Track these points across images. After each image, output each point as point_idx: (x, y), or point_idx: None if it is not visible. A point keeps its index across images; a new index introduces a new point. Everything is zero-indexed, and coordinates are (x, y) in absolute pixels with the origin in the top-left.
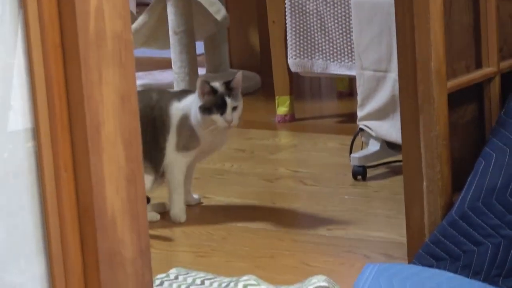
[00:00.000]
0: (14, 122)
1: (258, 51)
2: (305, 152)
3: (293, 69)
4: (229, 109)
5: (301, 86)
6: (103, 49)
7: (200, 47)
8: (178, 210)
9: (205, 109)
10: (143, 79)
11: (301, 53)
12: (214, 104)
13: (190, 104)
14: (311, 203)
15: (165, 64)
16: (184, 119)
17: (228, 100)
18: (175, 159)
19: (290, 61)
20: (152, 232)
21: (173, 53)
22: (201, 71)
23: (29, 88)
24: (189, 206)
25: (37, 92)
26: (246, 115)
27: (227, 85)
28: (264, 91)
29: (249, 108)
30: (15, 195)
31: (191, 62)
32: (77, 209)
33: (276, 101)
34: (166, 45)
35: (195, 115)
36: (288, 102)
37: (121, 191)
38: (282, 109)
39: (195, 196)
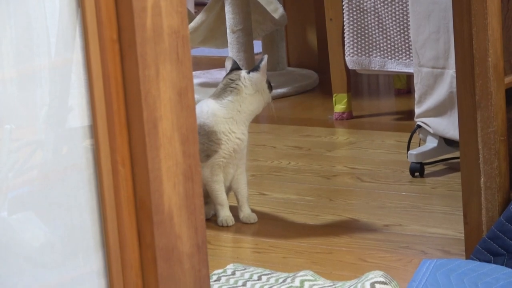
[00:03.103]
0: (73, 120)
1: (316, 49)
2: (363, 149)
3: (350, 66)
4: None
5: (358, 84)
6: (160, 45)
7: (257, 45)
8: (221, 218)
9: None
10: (201, 78)
11: (359, 50)
12: (268, 84)
13: (200, 109)
14: (368, 200)
15: (223, 63)
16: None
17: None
18: (202, 173)
19: (347, 58)
20: (208, 228)
21: (231, 51)
22: None
23: (87, 85)
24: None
25: (94, 88)
26: (303, 113)
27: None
28: (322, 89)
29: (307, 106)
30: (73, 191)
31: (249, 61)
32: (134, 205)
33: (334, 99)
34: (224, 44)
35: (228, 110)
36: (345, 99)
37: (178, 187)
38: (339, 107)
39: (251, 213)
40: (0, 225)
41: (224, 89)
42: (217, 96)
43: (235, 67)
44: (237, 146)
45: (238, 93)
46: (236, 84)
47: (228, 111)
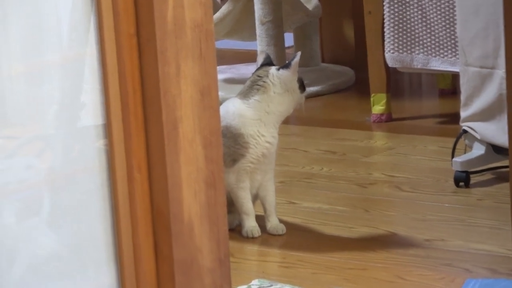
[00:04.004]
0: (85, 118)
1: (353, 44)
2: (402, 155)
3: (390, 64)
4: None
5: (399, 83)
6: (181, 40)
7: (289, 39)
8: (246, 228)
9: (299, 87)
10: (226, 73)
11: (400, 46)
12: (299, 84)
13: (225, 109)
14: (408, 211)
15: (250, 57)
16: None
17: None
18: (227, 178)
19: (387, 55)
20: (232, 239)
21: (259, 45)
22: None
23: (101, 81)
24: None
25: (109, 85)
26: (337, 114)
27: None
28: (358, 88)
29: (342, 106)
30: (84, 197)
31: (279, 55)
32: (151, 214)
33: (371, 99)
34: (252, 37)
35: (256, 109)
36: (384, 100)
37: (199, 195)
38: (377, 108)
39: (278, 224)
40: (4, 233)
41: (251, 87)
42: (244, 94)
43: (267, 62)
44: (266, 150)
45: (265, 92)
46: (264, 82)
47: (255, 111)
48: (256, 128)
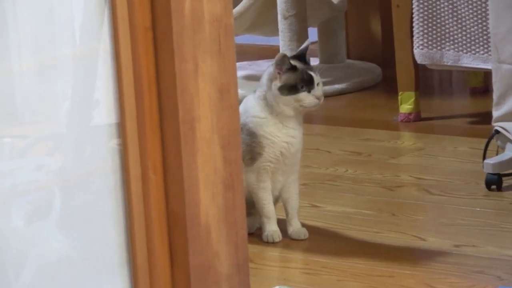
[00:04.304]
0: (98, 116)
1: (380, 39)
2: (431, 157)
3: (419, 60)
4: (315, 84)
5: (428, 81)
6: (199, 34)
7: (313, 34)
8: (267, 233)
9: (289, 88)
10: (246, 69)
11: (429, 42)
12: (299, 80)
13: (244, 105)
14: (437, 216)
15: (272, 53)
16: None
17: (313, 74)
18: (247, 178)
19: (416, 51)
20: (251, 244)
21: (282, 40)
22: (314, 61)
23: (115, 77)
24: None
25: (123, 81)
26: (363, 113)
27: (302, 59)
28: (386, 85)
29: (368, 105)
30: (96, 199)
31: None
32: (166, 217)
33: (399, 98)
34: (274, 32)
35: (263, 107)
36: (413, 98)
37: (217, 197)
38: (405, 107)
39: (301, 228)
40: (13, 236)
41: (260, 85)
42: (255, 90)
43: (297, 54)
44: (284, 150)
45: (268, 90)
46: (266, 79)
47: (262, 110)
48: (267, 128)
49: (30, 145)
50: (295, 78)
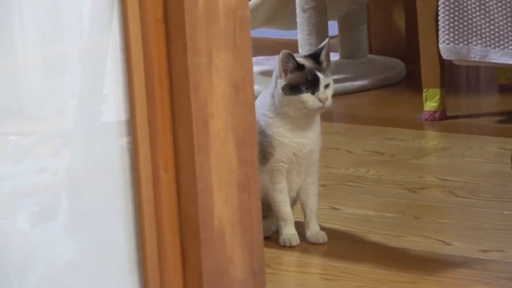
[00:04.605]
0: (107, 113)
1: (403, 33)
2: (457, 157)
3: (445, 56)
4: (322, 86)
5: (454, 77)
6: (214, 27)
7: (333, 27)
8: (284, 236)
9: (292, 88)
10: (263, 65)
11: (455, 37)
12: (303, 80)
13: (259, 102)
14: (463, 219)
15: (290, 47)
16: None
17: (320, 76)
18: (261, 179)
19: (441, 46)
20: (267, 248)
21: (300, 34)
22: (334, 56)
23: (125, 72)
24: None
25: (133, 76)
26: (386, 111)
27: (315, 58)
28: (409, 82)
29: (391, 103)
30: (105, 200)
31: None
32: (178, 219)
33: (424, 95)
34: (292, 25)
35: (270, 106)
36: (438, 96)
37: (231, 199)
38: (430, 105)
39: (319, 231)
40: (18, 239)
41: (271, 82)
42: (268, 87)
43: (313, 53)
44: (296, 150)
45: (275, 88)
46: (274, 76)
47: (269, 109)
48: (276, 128)
49: (35, 144)
50: (299, 78)
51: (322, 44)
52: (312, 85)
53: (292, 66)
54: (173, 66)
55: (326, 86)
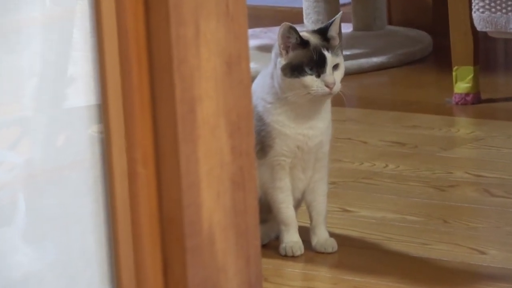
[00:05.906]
0: (73, 96)
1: (430, 1)
2: (493, 149)
3: (479, 27)
4: (329, 68)
5: (490, 53)
6: None
7: None
8: (286, 244)
9: (293, 69)
10: (262, 38)
11: (492, 4)
12: (307, 60)
13: (257, 83)
14: (501, 223)
15: (294, 18)
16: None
17: (327, 55)
18: (260, 175)
19: (475, 15)
20: (266, 257)
21: (306, 1)
22: (346, 28)
23: (95, 47)
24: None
25: (106, 52)
26: (408, 94)
27: (322, 34)
28: (437, 58)
29: (415, 83)
30: (71, 200)
31: (331, 14)
32: (159, 222)
33: (454, 74)
34: None
35: (270, 88)
36: (471, 75)
37: (223, 198)
38: (462, 86)
39: (328, 238)
40: None
41: (270, 60)
42: (268, 67)
43: (320, 28)
44: (300, 143)
45: (274, 68)
46: (274, 54)
47: (269, 92)
48: (276, 116)
49: None
50: (303, 57)
51: (333, 19)
52: (318, 65)
53: (294, 42)
54: (153, 38)
55: (335, 67)
